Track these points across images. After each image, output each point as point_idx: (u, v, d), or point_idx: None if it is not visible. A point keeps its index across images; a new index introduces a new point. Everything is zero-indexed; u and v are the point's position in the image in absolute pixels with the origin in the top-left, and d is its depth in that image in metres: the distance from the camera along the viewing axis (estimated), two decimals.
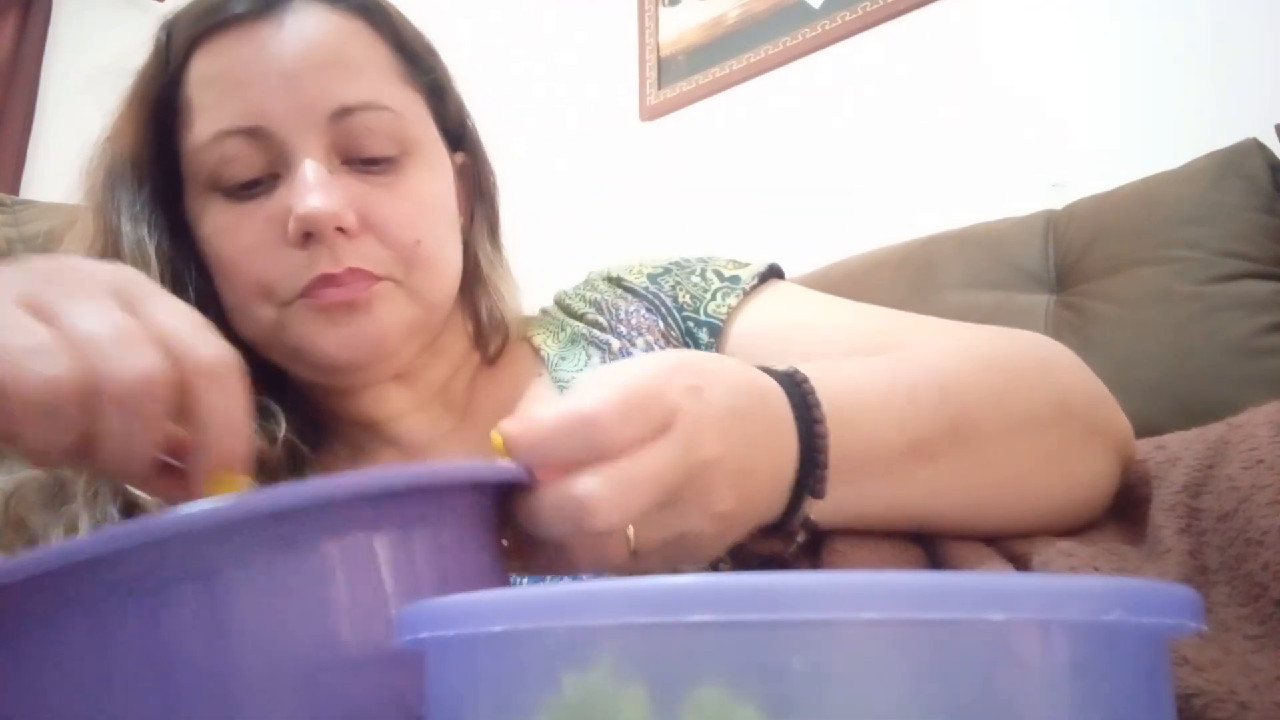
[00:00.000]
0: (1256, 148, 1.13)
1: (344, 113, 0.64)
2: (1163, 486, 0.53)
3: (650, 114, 2.21)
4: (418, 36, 0.72)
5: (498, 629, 0.23)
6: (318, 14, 0.66)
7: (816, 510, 0.46)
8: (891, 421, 0.49)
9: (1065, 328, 1.13)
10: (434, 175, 0.70)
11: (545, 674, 0.23)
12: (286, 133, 0.63)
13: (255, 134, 0.63)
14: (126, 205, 0.67)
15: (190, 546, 0.31)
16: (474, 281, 0.75)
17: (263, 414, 0.67)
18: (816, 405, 0.46)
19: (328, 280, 0.62)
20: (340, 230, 0.62)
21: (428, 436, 0.73)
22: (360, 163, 0.66)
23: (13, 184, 2.59)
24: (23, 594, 0.30)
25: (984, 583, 0.21)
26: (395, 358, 0.67)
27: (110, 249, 0.66)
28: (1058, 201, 1.26)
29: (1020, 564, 0.49)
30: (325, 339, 0.63)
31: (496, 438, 0.39)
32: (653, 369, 0.41)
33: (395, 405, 0.71)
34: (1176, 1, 1.54)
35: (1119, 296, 1.11)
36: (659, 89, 2.20)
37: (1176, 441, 0.56)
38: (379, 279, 0.64)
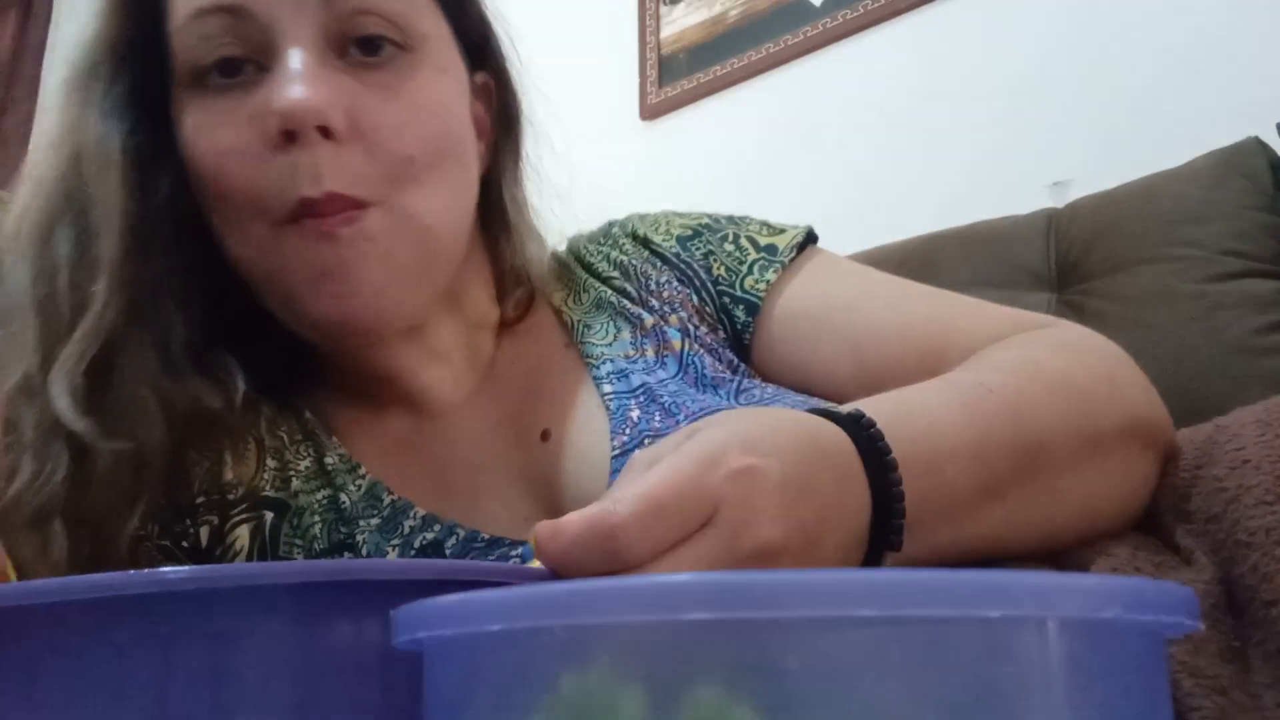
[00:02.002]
0: (1258, 146, 1.13)
1: None
2: (1159, 491, 0.52)
3: (651, 113, 2.21)
4: None
5: (495, 628, 0.23)
6: None
7: (890, 560, 0.43)
8: (966, 465, 0.45)
9: None
10: (442, 82, 0.62)
11: (543, 673, 0.23)
12: (272, 13, 0.56)
13: (236, 13, 0.57)
14: (97, 99, 0.60)
15: (209, 603, 0.31)
16: (498, 225, 0.68)
17: (213, 371, 0.61)
18: (888, 452, 0.42)
19: (307, 207, 0.55)
20: (325, 133, 0.55)
21: (448, 397, 0.67)
22: (357, 49, 0.58)
23: (13, 184, 2.59)
24: (47, 619, 0.31)
25: (980, 580, 0.21)
26: (398, 315, 0.60)
27: (75, 145, 0.60)
28: (1059, 200, 1.26)
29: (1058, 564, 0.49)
30: (315, 291, 0.57)
31: (531, 537, 0.37)
32: (696, 455, 0.37)
33: (408, 359, 0.65)
34: (1177, 1, 1.54)
35: (1120, 295, 1.11)
36: (659, 87, 2.20)
37: None
38: (363, 206, 0.56)
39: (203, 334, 0.63)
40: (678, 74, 2.18)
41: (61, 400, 0.55)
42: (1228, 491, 0.46)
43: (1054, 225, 1.21)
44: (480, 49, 0.68)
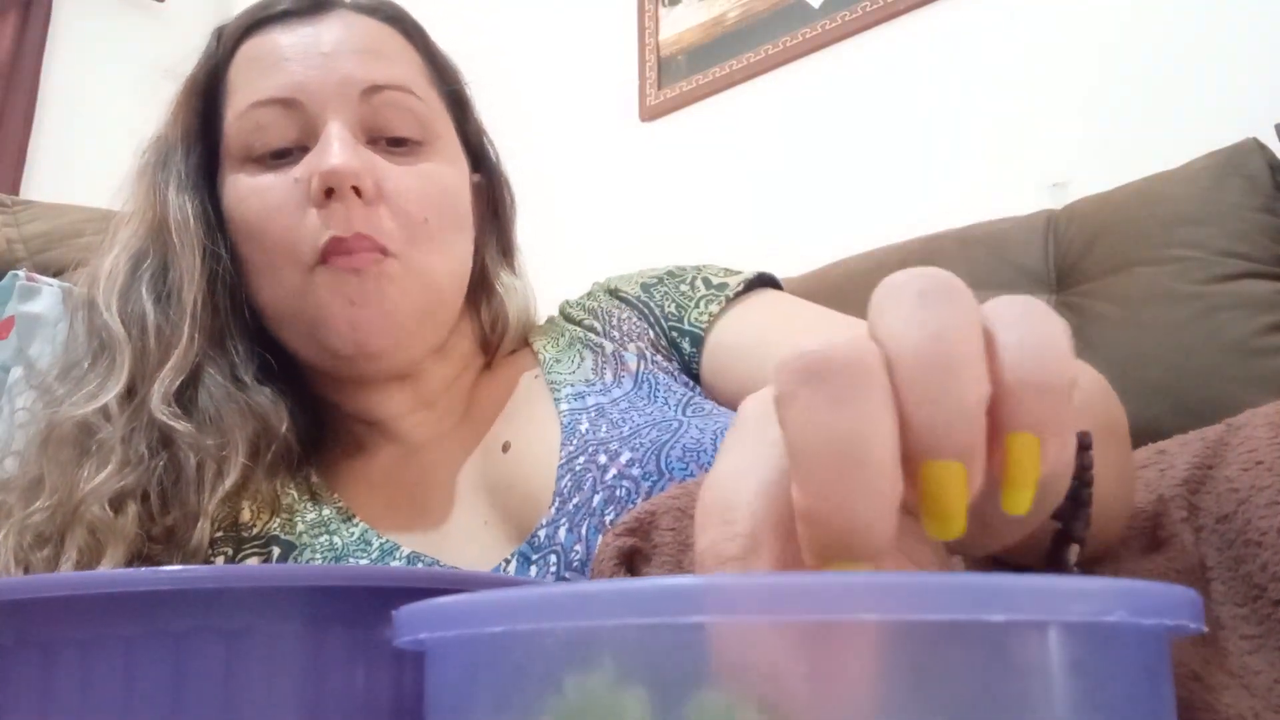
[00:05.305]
0: (1256, 147, 1.13)
1: (374, 90, 0.69)
2: (1162, 483, 0.52)
3: (650, 114, 2.21)
4: (445, 55, 0.79)
5: (498, 629, 0.23)
6: (357, 16, 0.73)
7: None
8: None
9: None
10: (450, 169, 0.73)
11: (546, 675, 0.23)
12: (319, 106, 0.68)
13: (289, 105, 0.68)
14: (175, 176, 0.72)
15: (225, 601, 0.31)
16: (481, 290, 0.79)
17: (274, 401, 0.71)
18: None
19: (338, 245, 0.65)
20: (357, 192, 0.65)
21: (429, 434, 0.75)
22: (384, 142, 0.70)
23: (13, 184, 2.59)
24: (61, 612, 0.31)
25: (984, 583, 0.21)
26: (403, 348, 0.69)
27: (158, 216, 0.71)
28: (1058, 201, 1.26)
29: None
30: (339, 317, 0.66)
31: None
32: None
33: (399, 405, 0.74)
34: (1176, 1, 1.54)
35: (1119, 296, 1.11)
36: (659, 89, 2.20)
37: (1175, 445, 0.56)
38: (386, 254, 0.66)
39: (254, 372, 0.73)
40: (677, 75, 2.18)
41: (162, 409, 0.65)
42: (1239, 492, 0.46)
43: (1053, 226, 1.21)
44: (477, 153, 0.80)
